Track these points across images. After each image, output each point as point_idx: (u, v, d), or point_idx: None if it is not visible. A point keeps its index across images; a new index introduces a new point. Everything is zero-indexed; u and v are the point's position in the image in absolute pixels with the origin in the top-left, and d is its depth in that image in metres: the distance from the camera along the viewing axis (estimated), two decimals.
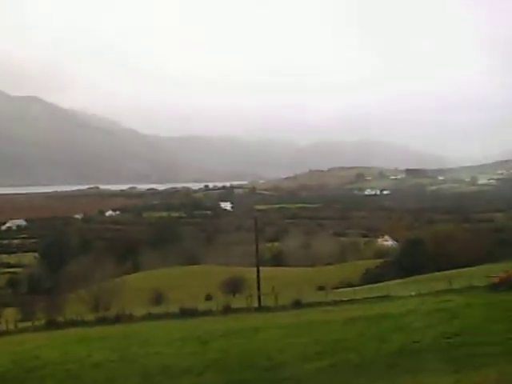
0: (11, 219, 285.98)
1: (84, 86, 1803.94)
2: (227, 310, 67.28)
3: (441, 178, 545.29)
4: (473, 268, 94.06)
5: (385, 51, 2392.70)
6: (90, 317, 71.47)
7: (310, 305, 63.98)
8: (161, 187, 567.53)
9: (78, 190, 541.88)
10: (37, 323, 70.23)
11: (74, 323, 66.26)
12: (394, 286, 75.75)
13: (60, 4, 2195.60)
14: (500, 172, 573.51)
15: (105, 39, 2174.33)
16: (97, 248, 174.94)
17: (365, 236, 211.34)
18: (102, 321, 65.99)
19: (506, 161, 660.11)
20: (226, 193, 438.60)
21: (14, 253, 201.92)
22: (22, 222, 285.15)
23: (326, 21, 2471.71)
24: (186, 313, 66.11)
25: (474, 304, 41.33)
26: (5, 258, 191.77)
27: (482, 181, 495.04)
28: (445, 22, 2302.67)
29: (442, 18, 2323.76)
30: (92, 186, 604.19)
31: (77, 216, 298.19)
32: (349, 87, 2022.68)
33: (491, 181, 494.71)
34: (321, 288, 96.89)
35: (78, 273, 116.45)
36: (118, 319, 65.47)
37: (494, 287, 55.40)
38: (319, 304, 64.41)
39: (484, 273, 69.08)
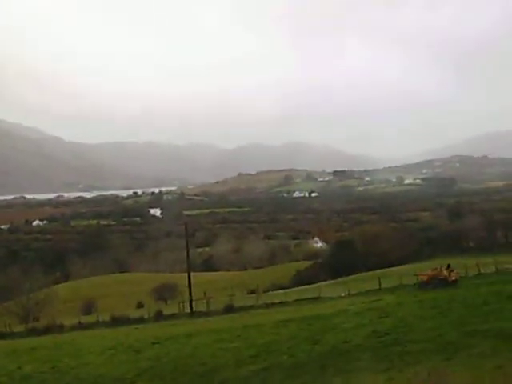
0: None
1: (4, 95, 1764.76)
2: (159, 316, 67.12)
3: (368, 178, 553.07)
4: (402, 267, 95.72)
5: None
6: (20, 328, 70.30)
7: (242, 308, 64.14)
8: (88, 195, 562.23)
9: (3, 200, 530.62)
10: None
11: (2, 335, 65.15)
12: (324, 287, 76.35)
13: None
14: (425, 171, 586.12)
15: (23, 45, 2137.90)
16: (25, 258, 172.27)
17: (295, 238, 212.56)
18: (31, 332, 65.02)
19: (430, 160, 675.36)
20: (155, 199, 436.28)
21: None
22: None
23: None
24: (118, 321, 65.70)
25: (404, 302, 41.95)
26: None
27: (407, 180, 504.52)
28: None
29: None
30: (18, 195, 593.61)
31: (3, 227, 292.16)
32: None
33: (417, 180, 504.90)
34: (252, 291, 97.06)
35: (5, 284, 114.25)
36: (48, 330, 64.57)
37: (422, 285, 56.43)
38: (251, 307, 64.62)
39: (413, 271, 70.33)
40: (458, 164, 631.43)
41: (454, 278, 55.75)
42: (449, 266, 58.42)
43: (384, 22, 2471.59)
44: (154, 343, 36.68)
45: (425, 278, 57.94)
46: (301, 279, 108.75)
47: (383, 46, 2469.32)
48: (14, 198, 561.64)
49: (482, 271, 70.79)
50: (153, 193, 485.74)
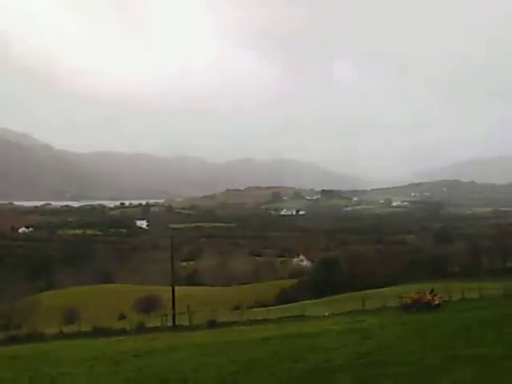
0: None
1: None
2: (141, 328, 66.76)
3: (356, 199, 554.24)
4: (386, 289, 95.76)
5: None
6: (0, 336, 69.78)
7: (225, 324, 63.93)
8: (76, 204, 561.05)
9: None
10: None
11: None
12: (308, 306, 76.30)
13: None
14: (413, 194, 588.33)
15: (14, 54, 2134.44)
16: (9, 265, 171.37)
17: (280, 256, 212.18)
18: (12, 340, 64.40)
19: (419, 183, 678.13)
20: (142, 211, 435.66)
21: None
22: None
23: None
24: (99, 332, 65.19)
25: (387, 324, 41.91)
26: None
27: (395, 203, 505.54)
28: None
29: None
30: (5, 202, 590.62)
31: None
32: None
33: (404, 203, 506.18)
34: (236, 307, 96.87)
35: None
36: (29, 338, 63.95)
37: (406, 308, 56.51)
38: (234, 323, 64.42)
39: (397, 293, 70.48)
40: (445, 188, 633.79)
41: (437, 302, 55.89)
42: (432, 290, 58.58)
43: (376, 45, 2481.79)
44: (135, 355, 36.47)
45: (408, 301, 58.07)
46: (285, 297, 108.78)
47: (373, 67, 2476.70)
48: (2, 204, 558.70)
49: (466, 296, 70.96)
50: (140, 204, 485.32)
